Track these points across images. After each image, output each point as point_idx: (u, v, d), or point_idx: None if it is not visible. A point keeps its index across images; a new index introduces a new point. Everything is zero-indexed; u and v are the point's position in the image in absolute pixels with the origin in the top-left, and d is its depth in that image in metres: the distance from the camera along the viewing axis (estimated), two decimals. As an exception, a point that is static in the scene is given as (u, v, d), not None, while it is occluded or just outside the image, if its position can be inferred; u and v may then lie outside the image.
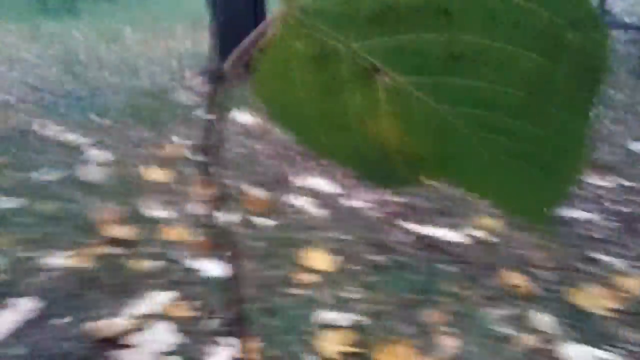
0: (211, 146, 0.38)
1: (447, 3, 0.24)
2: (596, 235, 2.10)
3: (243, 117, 3.51)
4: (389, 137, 0.30)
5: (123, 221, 2.23)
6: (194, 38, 6.78)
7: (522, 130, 0.28)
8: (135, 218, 2.28)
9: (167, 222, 2.23)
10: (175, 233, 2.12)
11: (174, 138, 3.36)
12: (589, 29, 0.23)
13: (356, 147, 0.32)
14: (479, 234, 2.07)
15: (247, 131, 3.38)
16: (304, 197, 2.44)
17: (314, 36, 0.27)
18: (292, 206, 2.37)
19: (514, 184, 0.30)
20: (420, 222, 2.19)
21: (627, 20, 7.72)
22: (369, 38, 0.26)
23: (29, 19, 10.31)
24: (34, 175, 2.79)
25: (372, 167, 0.33)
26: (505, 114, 0.28)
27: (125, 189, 2.61)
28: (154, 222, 2.25)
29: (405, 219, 2.22)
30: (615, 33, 6.84)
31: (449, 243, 2.00)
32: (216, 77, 0.31)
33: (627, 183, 2.60)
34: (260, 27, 0.28)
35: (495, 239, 2.04)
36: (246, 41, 0.30)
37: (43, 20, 10.08)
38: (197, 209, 2.32)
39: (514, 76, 0.26)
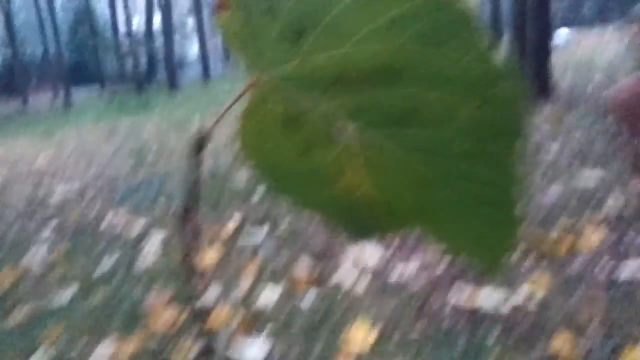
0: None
1: (396, 62, 0.28)
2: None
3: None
4: (364, 188, 0.33)
5: (172, 306, 2.33)
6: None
7: (476, 174, 0.31)
8: (186, 299, 2.37)
9: (215, 304, 2.30)
10: (222, 316, 2.17)
11: (232, 219, 3.50)
12: (512, 81, 0.27)
13: (336, 200, 0.34)
14: (522, 299, 1.99)
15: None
16: (351, 267, 2.45)
17: (286, 100, 0.31)
18: (338, 278, 2.38)
19: (475, 226, 0.33)
20: (464, 289, 2.13)
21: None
22: (335, 98, 0.30)
23: (109, 118, 11.29)
24: (99, 262, 2.99)
25: (352, 217, 0.35)
26: (461, 159, 0.30)
27: (180, 272, 2.72)
28: (202, 306, 2.32)
29: (449, 286, 2.17)
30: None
31: (493, 309, 1.93)
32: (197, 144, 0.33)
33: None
34: (238, 93, 0.31)
35: (538, 304, 1.95)
36: (226, 106, 0.34)
37: (120, 118, 10.99)
38: (245, 288, 2.38)
39: (460, 124, 0.29)
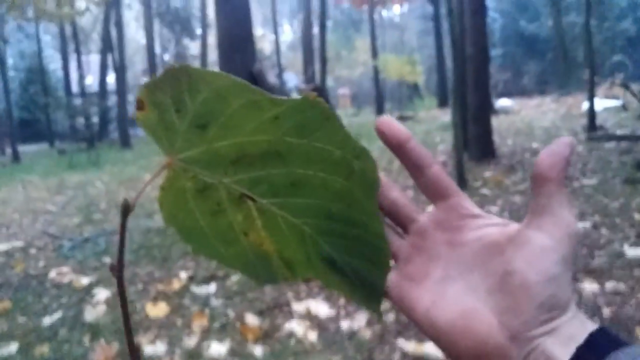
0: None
1: (280, 148, 0.36)
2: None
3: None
4: (266, 244, 0.39)
5: (119, 358, 2.29)
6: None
7: (345, 232, 0.38)
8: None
9: (159, 357, 2.27)
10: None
11: (182, 273, 3.48)
12: (366, 158, 0.36)
13: (245, 254, 0.40)
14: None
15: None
16: (300, 321, 2.48)
17: (195, 177, 0.37)
18: (287, 331, 2.40)
19: (347, 276, 0.40)
20: (410, 338, 2.20)
21: (618, 132, 7.99)
22: (235, 174, 0.37)
23: (57, 174, 11.03)
24: (42, 318, 2.90)
25: (259, 268, 0.41)
26: (333, 221, 0.38)
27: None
28: (149, 359, 2.29)
29: (397, 335, 2.24)
30: (608, 145, 7.07)
31: (439, 358, 2.00)
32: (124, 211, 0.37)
33: (622, 287, 2.60)
34: (155, 172, 0.38)
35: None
36: (147, 182, 0.39)
37: (69, 174, 10.76)
38: (191, 342, 2.37)
39: (331, 194, 0.37)
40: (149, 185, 0.37)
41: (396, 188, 0.41)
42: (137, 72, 33.63)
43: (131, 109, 24.79)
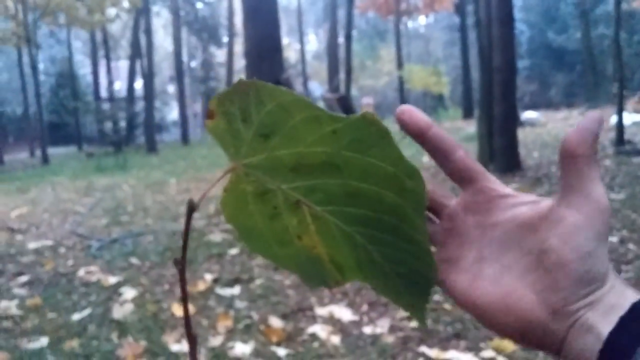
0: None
1: (337, 161, 0.38)
2: None
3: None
4: (318, 248, 0.42)
5: (146, 356, 2.34)
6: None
7: (395, 243, 0.41)
8: (158, 352, 2.38)
9: (185, 355, 2.32)
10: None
11: (206, 275, 3.54)
12: (418, 178, 0.38)
13: (298, 256, 0.43)
14: (492, 355, 2.07)
15: (273, 264, 3.53)
16: (323, 325, 2.50)
17: (256, 181, 0.40)
18: (310, 334, 2.43)
19: (396, 284, 0.42)
20: (434, 345, 2.21)
21: (647, 146, 7.86)
22: (293, 182, 0.40)
23: (85, 176, 11.27)
24: (71, 315, 2.98)
25: (310, 270, 0.43)
26: (384, 232, 0.40)
27: (154, 324, 2.74)
28: (175, 356, 2.34)
29: (420, 343, 2.25)
30: (636, 159, 6.95)
31: (459, 362, 2.00)
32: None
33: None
34: (219, 176, 0.41)
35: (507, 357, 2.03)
36: (211, 185, 0.42)
37: (97, 177, 10.98)
38: (216, 341, 2.41)
39: (382, 206, 0.39)
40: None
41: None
42: (165, 79, 34.18)
43: (158, 115, 25.27)
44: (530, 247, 0.36)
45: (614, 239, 3.66)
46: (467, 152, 0.41)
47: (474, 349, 2.16)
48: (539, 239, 0.36)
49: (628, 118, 10.62)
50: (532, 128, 13.09)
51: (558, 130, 12.05)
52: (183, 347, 2.42)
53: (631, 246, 3.48)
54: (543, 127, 13.17)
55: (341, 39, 21.40)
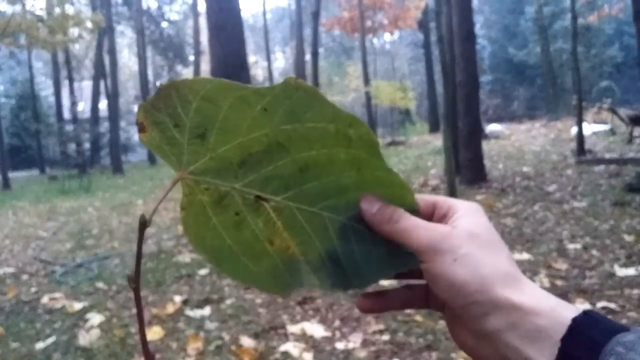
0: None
1: (279, 139, 0.36)
2: None
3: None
4: (292, 248, 0.39)
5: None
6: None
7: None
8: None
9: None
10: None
11: (176, 297, 3.47)
12: (359, 124, 0.36)
13: (275, 266, 0.39)
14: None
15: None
16: (295, 343, 2.48)
17: (209, 188, 0.38)
18: (283, 353, 2.40)
19: (379, 247, 0.39)
20: (406, 357, 2.20)
21: (607, 156, 8.10)
22: (245, 177, 0.37)
23: (49, 200, 10.97)
24: (35, 344, 2.87)
25: (288, 277, 0.40)
26: (349, 192, 0.38)
27: (121, 349, 2.66)
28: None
29: (392, 355, 2.24)
30: (597, 168, 7.15)
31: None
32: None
33: (612, 306, 2.62)
34: (168, 187, 0.39)
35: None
36: (160, 198, 0.41)
37: (61, 200, 10.70)
38: (189, 362, 2.36)
39: (339, 166, 0.38)
40: (148, 205, 0.38)
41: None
42: (130, 99, 33.75)
43: (124, 136, 24.86)
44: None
45: (577, 245, 3.74)
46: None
47: (446, 359, 2.17)
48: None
49: (588, 128, 10.95)
50: (496, 140, 13.36)
51: (521, 142, 12.33)
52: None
53: (594, 252, 3.56)
54: (507, 139, 13.45)
55: (308, 56, 21.54)
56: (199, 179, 0.38)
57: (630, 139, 9.52)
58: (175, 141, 0.37)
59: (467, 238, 0.37)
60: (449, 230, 0.38)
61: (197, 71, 23.26)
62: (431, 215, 0.41)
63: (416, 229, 0.37)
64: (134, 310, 3.31)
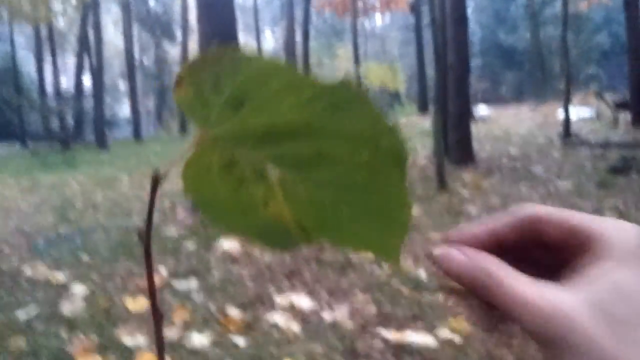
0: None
1: (311, 125, 0.37)
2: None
3: (227, 244, 3.61)
4: (285, 214, 0.41)
5: (98, 350, 2.24)
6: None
7: (367, 198, 0.40)
8: (110, 347, 2.29)
9: (140, 349, 2.24)
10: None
11: (162, 269, 3.44)
12: (395, 135, 0.37)
13: (262, 224, 0.41)
14: (447, 335, 2.08)
15: (231, 257, 3.46)
16: (282, 313, 2.47)
17: (223, 151, 0.39)
18: (270, 323, 2.39)
19: (366, 232, 0.41)
20: (392, 327, 2.20)
21: (592, 140, 8.17)
22: (262, 150, 0.39)
23: (30, 174, 10.82)
24: (18, 313, 2.83)
25: (275, 236, 0.42)
26: (355, 190, 0.39)
27: (106, 320, 2.63)
28: (129, 350, 2.25)
29: (379, 325, 2.24)
30: (582, 151, 7.22)
31: (419, 346, 2.01)
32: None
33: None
34: (184, 148, 0.39)
35: (462, 340, 2.05)
36: (179, 156, 0.40)
37: (43, 175, 10.56)
38: (172, 333, 2.33)
39: (355, 164, 0.38)
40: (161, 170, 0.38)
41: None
42: (115, 75, 33.27)
43: (109, 111, 24.57)
44: None
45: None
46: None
47: (431, 329, 2.17)
48: None
49: (574, 113, 11.02)
50: (484, 123, 13.41)
51: (509, 125, 12.39)
52: (137, 341, 2.33)
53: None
54: (495, 122, 13.51)
55: (298, 37, 21.35)
56: (218, 141, 0.38)
57: (616, 124, 9.60)
58: (208, 103, 0.37)
59: (605, 326, 0.25)
60: (579, 311, 0.26)
61: (184, 49, 22.95)
62: (563, 241, 0.33)
63: (524, 307, 0.27)
64: (119, 282, 3.28)
